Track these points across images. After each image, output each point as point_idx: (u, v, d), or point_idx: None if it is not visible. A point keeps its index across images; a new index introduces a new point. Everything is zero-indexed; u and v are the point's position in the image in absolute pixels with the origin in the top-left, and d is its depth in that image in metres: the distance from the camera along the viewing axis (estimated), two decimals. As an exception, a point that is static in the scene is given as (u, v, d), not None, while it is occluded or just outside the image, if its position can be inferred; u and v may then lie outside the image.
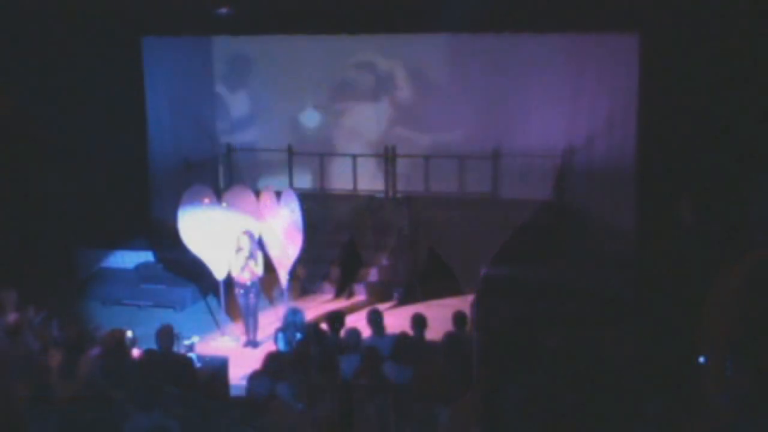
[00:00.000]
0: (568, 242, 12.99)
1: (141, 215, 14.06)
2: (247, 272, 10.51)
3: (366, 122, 14.79)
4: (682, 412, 5.79)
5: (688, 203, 11.40)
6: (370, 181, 14.66)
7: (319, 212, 12.69)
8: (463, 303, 10.76)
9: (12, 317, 7.90)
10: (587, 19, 11.62)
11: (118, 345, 7.56)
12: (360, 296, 12.47)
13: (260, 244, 10.78)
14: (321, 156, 14.79)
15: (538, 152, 13.59)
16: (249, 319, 10.68)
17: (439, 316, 9.14)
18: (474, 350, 7.49)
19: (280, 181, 13.66)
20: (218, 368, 8.54)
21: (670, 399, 5.94)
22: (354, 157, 14.61)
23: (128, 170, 13.91)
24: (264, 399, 6.39)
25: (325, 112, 15.14)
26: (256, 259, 10.52)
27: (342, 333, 7.99)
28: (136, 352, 8.01)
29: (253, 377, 6.82)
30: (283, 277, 11.01)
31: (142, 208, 14.23)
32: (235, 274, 10.58)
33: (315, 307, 11.69)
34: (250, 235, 10.55)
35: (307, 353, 7.59)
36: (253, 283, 10.57)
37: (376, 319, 8.13)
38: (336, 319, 8.23)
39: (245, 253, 10.46)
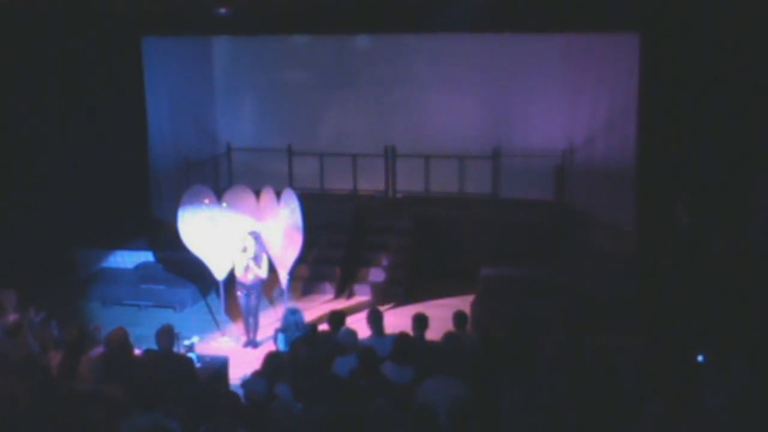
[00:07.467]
0: (568, 242, 13.00)
1: (141, 215, 14.06)
2: (251, 273, 10.50)
3: (366, 122, 14.79)
4: (682, 412, 5.79)
5: (683, 206, 11.41)
6: (370, 181, 14.66)
7: (319, 212, 12.67)
8: (463, 303, 10.77)
9: (12, 318, 7.89)
10: (587, 19, 11.63)
11: (122, 343, 7.54)
12: (360, 296, 12.47)
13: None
14: (321, 156, 14.79)
15: (538, 152, 13.58)
16: (249, 319, 10.67)
17: (439, 316, 9.12)
18: (474, 350, 7.49)
19: (280, 181, 13.64)
20: (218, 368, 8.54)
21: (670, 399, 5.94)
22: (354, 157, 14.61)
23: (128, 170, 13.91)
24: (264, 399, 6.39)
25: (324, 111, 15.15)
26: (260, 261, 10.51)
27: (337, 333, 7.97)
28: (136, 352, 8.00)
29: (253, 377, 6.82)
30: (283, 277, 11.00)
31: (142, 208, 14.23)
32: (238, 274, 10.57)
33: (315, 307, 11.70)
34: (256, 236, 10.53)
35: (306, 353, 7.58)
36: (255, 284, 10.56)
37: (376, 319, 8.11)
38: (336, 319, 8.21)
39: (249, 253, 10.44)
